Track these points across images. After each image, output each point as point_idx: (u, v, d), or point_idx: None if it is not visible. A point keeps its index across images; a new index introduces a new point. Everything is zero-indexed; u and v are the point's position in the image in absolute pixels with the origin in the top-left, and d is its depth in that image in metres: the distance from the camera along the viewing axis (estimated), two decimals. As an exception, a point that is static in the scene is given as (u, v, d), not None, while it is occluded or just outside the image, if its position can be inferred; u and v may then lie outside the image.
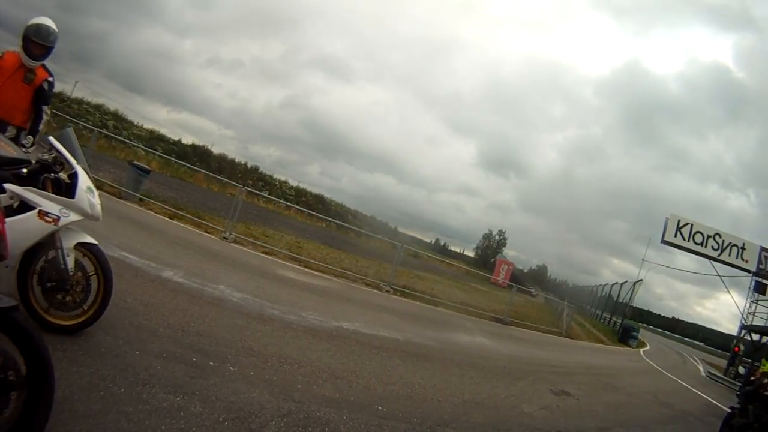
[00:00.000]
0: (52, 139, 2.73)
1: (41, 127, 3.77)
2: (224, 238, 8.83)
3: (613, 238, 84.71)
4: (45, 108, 3.76)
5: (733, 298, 26.48)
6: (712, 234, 19.78)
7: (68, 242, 2.67)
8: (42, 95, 3.70)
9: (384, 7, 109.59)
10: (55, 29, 3.54)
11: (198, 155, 30.57)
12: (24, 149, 2.89)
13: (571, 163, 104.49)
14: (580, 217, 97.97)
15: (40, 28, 3.48)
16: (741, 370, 16.88)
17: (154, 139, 29.33)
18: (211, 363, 3.07)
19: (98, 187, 3.08)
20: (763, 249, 19.58)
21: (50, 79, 3.74)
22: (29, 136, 3.65)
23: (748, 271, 19.46)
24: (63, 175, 2.70)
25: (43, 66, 3.70)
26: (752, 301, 19.31)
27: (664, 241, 19.97)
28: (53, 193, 2.60)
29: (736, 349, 18.65)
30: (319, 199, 37.93)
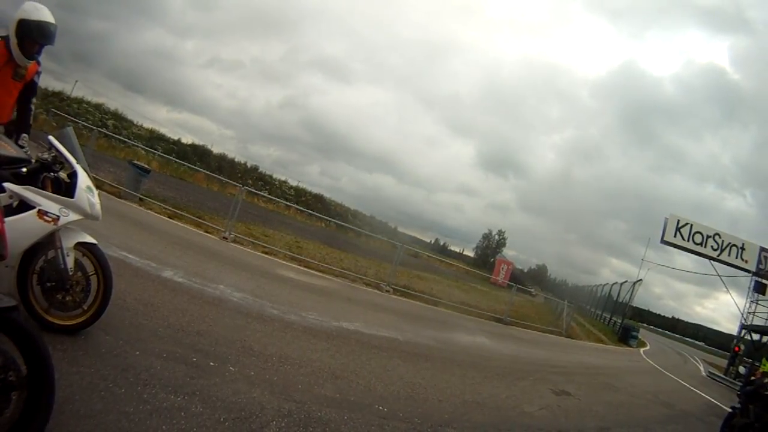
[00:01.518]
0: (52, 138, 2.72)
1: (31, 121, 3.41)
2: (224, 237, 8.82)
3: (611, 238, 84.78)
4: (33, 100, 3.39)
5: (733, 298, 26.48)
6: (711, 234, 19.78)
7: (68, 242, 2.66)
8: (32, 89, 3.33)
9: (383, 9, 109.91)
10: (55, 22, 3.09)
11: (198, 155, 30.56)
12: (24, 150, 2.79)
13: (570, 164, 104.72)
14: (578, 217, 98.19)
15: (45, 28, 3.02)
16: (741, 369, 16.88)
17: (154, 139, 29.33)
18: (212, 363, 3.07)
19: (98, 187, 3.07)
20: (762, 249, 19.58)
21: (39, 69, 3.33)
22: (24, 135, 3.26)
23: (748, 271, 19.47)
24: (63, 175, 2.69)
25: None
26: (752, 301, 19.32)
27: (663, 241, 19.98)
28: (53, 192, 2.59)
29: (737, 348, 18.65)
30: (319, 198, 37.94)
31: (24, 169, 2.51)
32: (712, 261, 19.85)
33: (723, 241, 19.69)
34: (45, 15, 3.01)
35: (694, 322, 62.18)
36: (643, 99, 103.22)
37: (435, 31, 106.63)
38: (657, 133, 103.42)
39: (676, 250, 20.48)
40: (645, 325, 43.25)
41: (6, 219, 1.98)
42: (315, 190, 39.18)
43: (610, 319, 26.98)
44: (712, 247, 19.68)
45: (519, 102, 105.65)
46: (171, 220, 8.83)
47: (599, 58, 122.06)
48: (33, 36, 3.00)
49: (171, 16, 76.61)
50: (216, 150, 33.76)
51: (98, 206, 2.80)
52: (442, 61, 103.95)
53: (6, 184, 2.42)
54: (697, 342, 50.95)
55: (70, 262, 2.65)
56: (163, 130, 36.59)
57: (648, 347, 22.56)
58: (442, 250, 62.44)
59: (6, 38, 3.00)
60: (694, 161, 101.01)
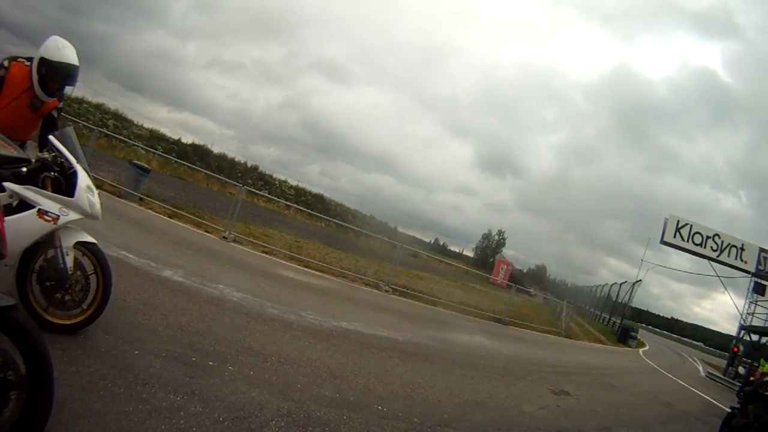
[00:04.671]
0: (52, 138, 2.73)
1: None
2: (224, 237, 8.82)
3: (609, 238, 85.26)
4: (55, 133, 3.23)
5: (732, 299, 26.50)
6: (711, 235, 19.80)
7: (67, 241, 2.66)
8: (53, 123, 3.24)
9: (383, 14, 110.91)
10: (78, 63, 3.03)
11: (198, 154, 30.50)
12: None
13: (567, 164, 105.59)
14: (576, 217, 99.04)
15: (66, 70, 2.97)
16: (741, 370, 16.91)
17: (154, 139, 29.26)
18: (211, 363, 3.07)
19: (98, 186, 3.07)
20: (762, 250, 19.60)
21: (60, 105, 3.28)
22: None
23: (747, 272, 19.48)
24: (63, 174, 2.69)
25: None
26: (751, 302, 19.33)
27: (663, 242, 19.99)
28: (53, 192, 2.59)
29: (735, 349, 18.69)
30: (319, 198, 37.91)
31: (24, 169, 2.51)
32: (711, 261, 19.86)
33: (722, 241, 19.70)
34: (67, 55, 2.97)
35: (692, 322, 62.39)
36: (636, 101, 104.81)
37: (433, 35, 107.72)
38: (651, 134, 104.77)
39: (672, 250, 20.53)
40: (644, 325, 43.29)
41: (6, 218, 1.98)
42: (315, 189, 39.18)
43: (610, 319, 27.01)
44: (711, 247, 19.69)
45: (515, 104, 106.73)
46: (171, 219, 8.83)
47: (592, 61, 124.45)
48: (53, 76, 2.98)
49: (173, 18, 76.87)
50: (216, 150, 33.69)
51: (98, 206, 2.80)
52: (440, 64, 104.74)
53: (6, 184, 2.42)
54: (695, 342, 51.01)
55: (69, 262, 2.65)
56: (164, 130, 36.38)
57: (647, 347, 22.57)
58: (442, 250, 62.57)
59: (31, 65, 2.97)
60: (689, 162, 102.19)
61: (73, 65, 3.00)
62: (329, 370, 3.76)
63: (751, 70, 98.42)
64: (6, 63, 2.96)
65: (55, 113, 3.24)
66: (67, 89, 3.37)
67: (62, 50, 2.95)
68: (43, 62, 2.92)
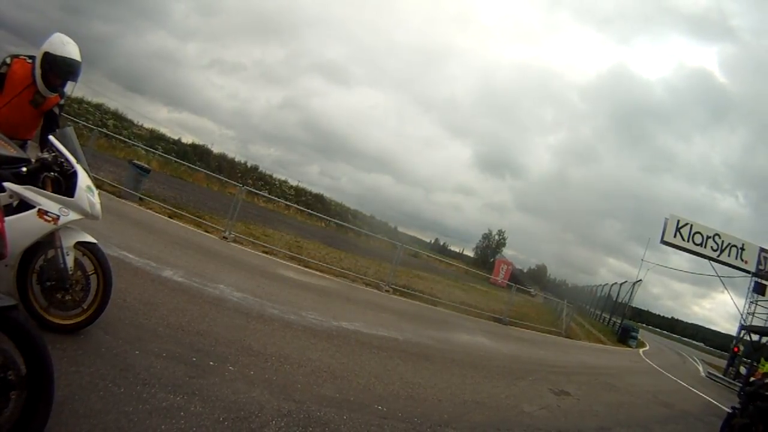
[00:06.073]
0: (52, 138, 2.72)
1: None
2: (224, 237, 8.82)
3: (608, 238, 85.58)
4: (57, 131, 3.22)
5: (732, 299, 26.52)
6: (711, 234, 19.79)
7: (68, 241, 2.66)
8: (54, 120, 3.24)
9: (383, 16, 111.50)
10: (80, 59, 3.07)
11: (198, 154, 30.55)
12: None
13: (565, 164, 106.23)
14: (576, 217, 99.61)
15: (69, 65, 3.01)
16: (743, 370, 16.89)
17: (154, 139, 29.30)
18: (211, 363, 3.07)
19: (98, 187, 3.07)
20: (762, 250, 19.59)
21: (61, 102, 3.30)
22: None
23: (748, 272, 19.47)
24: (63, 174, 2.69)
25: None
26: (751, 302, 19.32)
27: (663, 242, 19.98)
28: (53, 192, 2.59)
29: (736, 349, 18.67)
30: (319, 198, 37.94)
31: (24, 169, 2.51)
32: (711, 261, 19.85)
33: (723, 241, 19.69)
34: (70, 51, 3.02)
35: (692, 322, 62.49)
36: (633, 102, 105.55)
37: (432, 36, 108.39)
38: (649, 134, 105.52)
39: (672, 249, 20.52)
40: (644, 325, 43.35)
41: (6, 218, 1.98)
42: (315, 189, 39.22)
43: (610, 319, 27.01)
44: (711, 247, 19.68)
45: (514, 105, 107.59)
46: (171, 219, 8.83)
47: (590, 63, 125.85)
48: (56, 71, 3.03)
49: (173, 19, 77.09)
50: (216, 150, 33.80)
51: (98, 206, 2.80)
52: (439, 65, 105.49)
53: (6, 184, 2.41)
54: (696, 342, 51.03)
55: (69, 262, 2.65)
56: (164, 130, 36.40)
57: (647, 347, 22.56)
58: (442, 250, 62.68)
59: (33, 63, 3.02)
60: (686, 162, 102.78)
61: (76, 61, 3.05)
62: (330, 370, 3.76)
63: (747, 72, 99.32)
64: (8, 60, 3.00)
65: (56, 110, 3.27)
66: (68, 88, 3.37)
67: (66, 46, 3.01)
68: (47, 57, 2.97)
